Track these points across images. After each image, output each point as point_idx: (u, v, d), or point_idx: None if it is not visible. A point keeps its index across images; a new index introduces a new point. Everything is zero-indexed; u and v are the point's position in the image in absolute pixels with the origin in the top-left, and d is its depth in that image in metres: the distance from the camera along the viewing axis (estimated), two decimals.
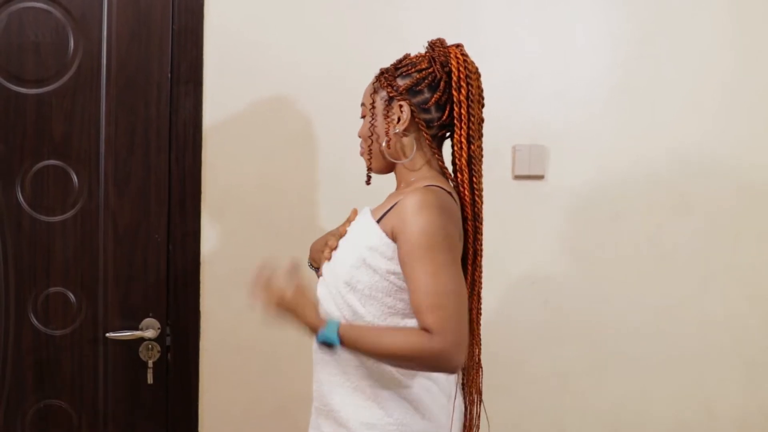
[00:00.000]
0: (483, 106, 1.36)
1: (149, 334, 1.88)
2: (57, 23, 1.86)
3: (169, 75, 1.89)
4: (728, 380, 2.03)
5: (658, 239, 1.99)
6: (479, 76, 1.35)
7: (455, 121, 1.31)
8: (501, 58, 1.95)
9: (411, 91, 1.32)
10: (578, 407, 2.00)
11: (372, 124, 1.37)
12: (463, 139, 1.31)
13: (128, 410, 1.91)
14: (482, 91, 1.35)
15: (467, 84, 1.31)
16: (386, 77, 1.35)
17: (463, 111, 1.30)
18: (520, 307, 1.98)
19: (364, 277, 1.27)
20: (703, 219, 2.00)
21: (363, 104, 1.41)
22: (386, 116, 1.34)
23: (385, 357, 1.23)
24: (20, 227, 1.87)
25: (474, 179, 1.33)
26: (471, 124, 1.31)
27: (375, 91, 1.38)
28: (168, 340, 1.91)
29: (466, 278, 1.33)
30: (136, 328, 1.89)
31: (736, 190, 2.01)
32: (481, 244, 1.36)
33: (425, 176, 1.33)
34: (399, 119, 1.33)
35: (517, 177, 1.96)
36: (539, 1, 1.96)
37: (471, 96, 1.31)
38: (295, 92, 1.92)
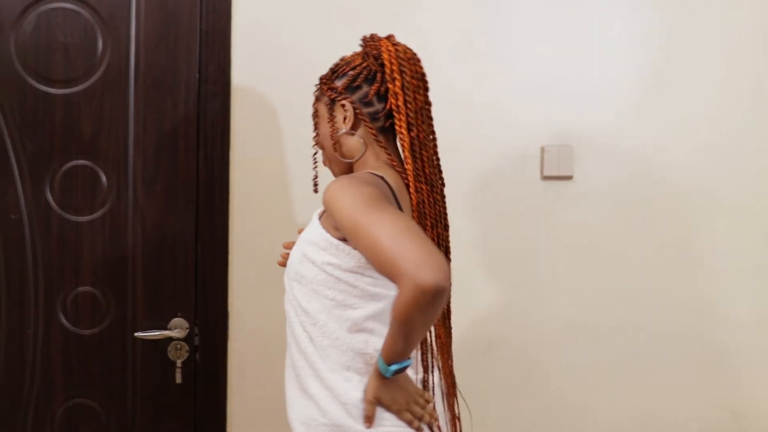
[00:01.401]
0: (427, 89, 1.36)
1: (178, 333, 1.89)
2: (85, 24, 1.86)
3: (197, 75, 1.89)
4: (759, 384, 2.01)
5: (687, 240, 1.97)
6: (417, 61, 1.35)
7: (394, 113, 1.31)
8: (528, 58, 1.94)
9: (350, 88, 1.34)
10: (606, 409, 1.99)
11: (321, 132, 1.40)
12: (403, 129, 1.31)
13: (156, 409, 1.92)
14: (423, 75, 1.35)
15: (401, 74, 1.31)
16: (325, 82, 1.38)
17: (399, 102, 1.31)
18: (547, 307, 1.97)
19: (306, 271, 1.29)
20: (733, 220, 1.98)
21: (313, 115, 1.44)
22: (331, 119, 1.37)
23: (408, 337, 1.16)
24: (49, 227, 1.88)
25: (417, 165, 1.31)
26: (409, 113, 1.31)
27: (317, 100, 1.41)
28: (196, 340, 1.91)
29: None
30: (165, 328, 1.90)
31: (767, 190, 1.98)
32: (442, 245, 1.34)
33: (372, 168, 1.34)
34: (345, 118, 1.35)
35: (546, 177, 1.94)
36: (563, 5, 1.94)
37: (407, 84, 1.31)
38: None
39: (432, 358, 1.37)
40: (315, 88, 1.42)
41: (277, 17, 1.91)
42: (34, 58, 1.86)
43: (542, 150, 1.94)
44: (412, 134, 1.31)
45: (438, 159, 1.38)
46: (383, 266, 1.10)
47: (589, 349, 1.98)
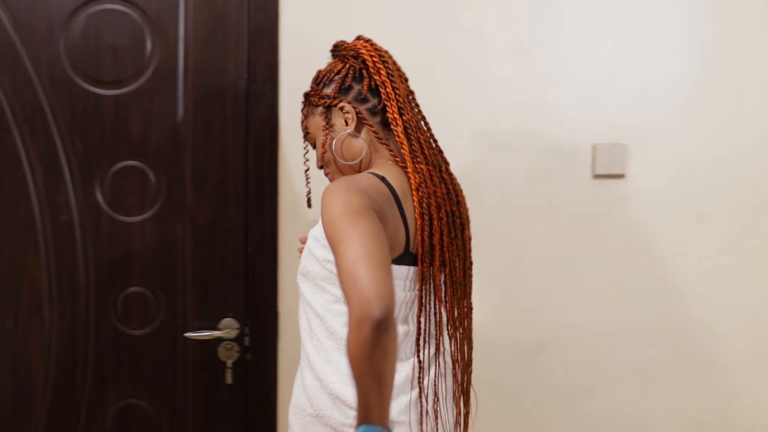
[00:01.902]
0: (406, 79, 1.41)
1: (228, 334, 1.89)
2: (134, 24, 1.86)
3: (246, 75, 1.88)
4: None
5: (742, 240, 1.95)
6: (390, 54, 1.40)
7: (385, 102, 1.34)
8: (580, 56, 1.92)
9: (342, 91, 1.36)
10: (660, 410, 1.97)
11: (323, 144, 1.38)
12: (396, 114, 1.32)
13: (207, 410, 1.93)
14: (399, 67, 1.40)
15: (383, 64, 1.35)
16: (313, 95, 1.39)
17: (389, 89, 1.33)
18: (598, 309, 1.95)
19: (311, 267, 1.30)
20: None
21: (307, 134, 1.43)
22: (331, 126, 1.37)
23: (362, 381, 1.11)
24: (99, 228, 1.89)
25: (414, 147, 1.32)
26: (399, 98, 1.34)
27: (309, 116, 1.41)
28: (246, 341, 1.91)
29: (421, 281, 1.28)
30: (215, 328, 1.90)
31: None
32: (443, 238, 1.30)
33: (376, 168, 1.34)
34: (346, 121, 1.35)
35: (597, 176, 1.92)
36: (617, 2, 1.92)
37: (391, 74, 1.35)
38: None
39: (434, 356, 1.35)
40: (302, 106, 1.43)
41: (325, 16, 1.89)
42: (83, 59, 1.86)
43: (593, 148, 1.91)
44: (405, 118, 1.33)
45: (435, 141, 1.41)
46: (341, 287, 1.12)
47: (641, 351, 1.96)
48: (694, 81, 1.93)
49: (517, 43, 1.91)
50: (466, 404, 1.43)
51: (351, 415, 1.26)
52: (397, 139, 1.32)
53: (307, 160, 1.46)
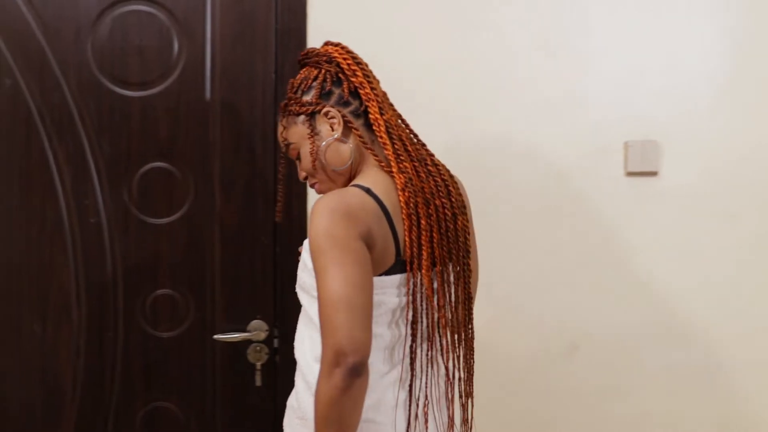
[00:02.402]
0: (378, 81, 1.40)
1: (257, 336, 1.88)
2: (161, 26, 1.86)
3: (274, 75, 1.87)
4: None
5: None
6: (359, 56, 1.39)
7: (366, 103, 1.33)
8: (611, 52, 1.89)
9: (323, 96, 1.34)
10: (690, 413, 1.94)
11: (311, 152, 1.35)
12: (377, 114, 1.32)
13: (236, 412, 1.91)
14: (370, 69, 1.39)
15: (358, 66, 1.35)
16: (292, 105, 1.36)
17: (368, 90, 1.33)
18: (631, 309, 1.92)
19: (306, 278, 1.29)
20: None
21: (288, 146, 1.40)
22: (317, 133, 1.34)
23: (325, 425, 1.15)
24: (127, 230, 1.88)
25: (397, 146, 1.31)
26: (377, 98, 1.34)
27: (289, 126, 1.38)
28: (276, 342, 1.90)
29: (409, 283, 1.27)
30: (244, 330, 1.88)
31: None
32: (433, 235, 1.28)
33: (361, 178, 1.32)
34: (332, 126, 1.33)
35: (630, 174, 1.89)
36: None
37: (367, 75, 1.35)
38: (396, 93, 1.87)
39: (421, 361, 1.32)
40: (280, 118, 1.40)
41: (353, 16, 1.88)
42: (110, 61, 1.85)
43: (626, 145, 1.89)
44: (385, 117, 1.33)
45: (416, 136, 1.41)
46: (319, 321, 1.15)
47: (672, 353, 1.92)
48: (725, 76, 1.89)
49: (546, 41, 1.89)
50: (464, 408, 1.41)
51: None
52: (380, 139, 1.31)
53: (304, 173, 1.40)
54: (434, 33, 1.88)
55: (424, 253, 1.26)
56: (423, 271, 1.26)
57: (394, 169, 1.28)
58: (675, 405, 1.94)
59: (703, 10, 1.89)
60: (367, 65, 1.38)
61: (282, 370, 1.90)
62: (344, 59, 1.34)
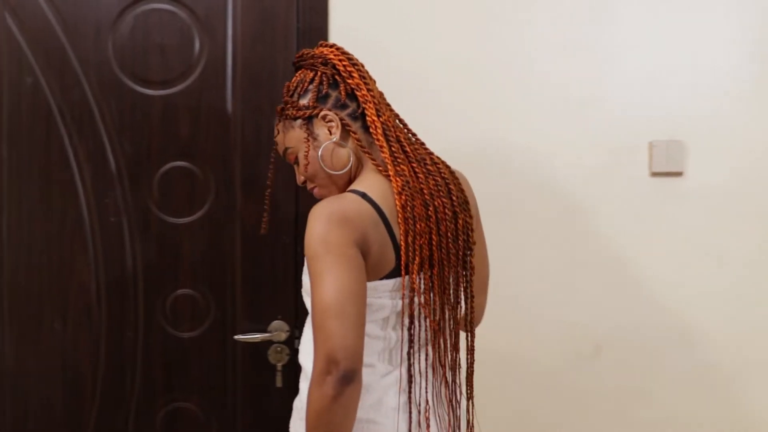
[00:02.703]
0: (375, 82, 1.38)
1: (277, 336, 1.87)
2: (182, 24, 1.85)
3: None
4: None
5: None
6: (355, 57, 1.37)
7: (363, 104, 1.31)
8: (636, 50, 1.87)
9: (320, 99, 1.32)
10: (717, 417, 1.92)
11: (309, 157, 1.33)
12: (373, 116, 1.30)
13: (257, 413, 1.90)
14: (366, 70, 1.36)
15: (354, 67, 1.33)
16: (289, 109, 1.34)
17: (364, 92, 1.31)
18: (656, 310, 1.90)
19: (307, 283, 1.28)
20: None
21: (286, 150, 1.38)
22: (314, 138, 1.32)
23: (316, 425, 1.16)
24: (148, 229, 1.87)
25: (394, 147, 1.29)
26: (374, 99, 1.32)
27: (286, 131, 1.36)
28: (297, 343, 1.88)
29: (404, 287, 1.26)
30: (265, 331, 1.87)
31: None
32: (432, 237, 1.27)
33: (359, 182, 1.30)
34: (330, 129, 1.31)
35: (654, 174, 1.87)
36: None
37: (363, 76, 1.33)
38: (418, 93, 1.87)
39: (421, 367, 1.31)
40: (277, 122, 1.38)
41: (375, 14, 1.87)
42: (131, 59, 1.85)
43: (650, 145, 1.87)
44: (382, 119, 1.31)
45: (415, 135, 1.39)
46: (312, 328, 1.16)
47: (699, 355, 1.90)
48: (752, 74, 1.87)
49: (569, 38, 1.87)
50: (469, 412, 1.40)
51: None
52: (377, 142, 1.29)
53: (302, 178, 1.38)
54: (457, 31, 1.86)
55: (417, 257, 1.24)
56: (413, 275, 1.24)
57: (390, 173, 1.26)
58: (699, 408, 1.91)
59: (729, 7, 1.87)
60: (363, 66, 1.35)
61: None
62: (340, 61, 1.32)
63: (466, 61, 1.87)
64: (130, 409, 1.89)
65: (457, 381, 1.36)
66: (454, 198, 1.33)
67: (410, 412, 1.28)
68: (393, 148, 1.29)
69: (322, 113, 1.31)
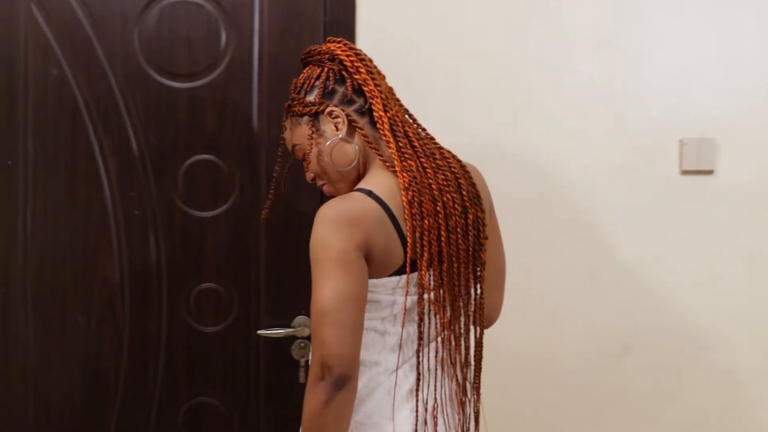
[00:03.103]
0: (384, 77, 1.36)
1: (301, 332, 1.85)
2: (209, 17, 1.84)
3: None
4: None
5: None
6: (365, 53, 1.35)
7: (370, 100, 1.30)
8: (667, 47, 1.85)
9: (326, 95, 1.31)
10: (749, 419, 1.89)
11: (316, 153, 1.32)
12: (381, 112, 1.29)
13: (280, 408, 1.89)
14: (375, 65, 1.35)
15: (361, 62, 1.31)
16: (296, 105, 1.33)
17: (371, 87, 1.30)
18: (684, 310, 1.88)
19: None
20: None
21: (294, 147, 1.38)
22: (321, 134, 1.31)
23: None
24: (172, 223, 1.86)
25: (401, 143, 1.28)
26: (381, 94, 1.30)
27: (293, 128, 1.36)
28: None
29: (408, 286, 1.24)
30: (289, 326, 1.86)
31: None
32: (440, 233, 1.25)
33: (366, 180, 1.29)
34: (336, 126, 1.30)
35: (685, 172, 1.85)
36: None
37: (370, 71, 1.31)
38: (446, 89, 1.85)
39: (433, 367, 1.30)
40: (284, 118, 1.38)
41: (403, 9, 1.85)
42: (157, 52, 1.84)
43: (681, 143, 1.84)
44: (389, 114, 1.29)
45: (425, 130, 1.37)
46: (311, 332, 1.19)
47: (731, 356, 1.88)
48: None
49: (600, 33, 1.85)
50: (476, 408, 1.38)
51: None
52: (384, 137, 1.28)
53: (311, 174, 1.37)
54: (487, 26, 1.85)
55: (426, 253, 1.23)
56: (422, 271, 1.23)
57: (397, 168, 1.25)
58: (730, 410, 1.89)
59: (762, 3, 1.84)
60: (371, 61, 1.34)
61: None
62: (347, 56, 1.31)
63: (495, 58, 1.85)
64: (152, 404, 1.88)
65: (469, 379, 1.35)
66: (464, 193, 1.31)
67: (417, 410, 1.26)
68: (400, 143, 1.28)
69: (328, 109, 1.30)
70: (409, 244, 1.22)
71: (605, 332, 1.88)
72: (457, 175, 1.32)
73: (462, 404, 1.33)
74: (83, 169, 1.84)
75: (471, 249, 1.31)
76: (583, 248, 1.87)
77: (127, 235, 1.85)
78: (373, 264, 1.21)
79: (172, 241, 1.86)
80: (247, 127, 1.85)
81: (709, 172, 1.85)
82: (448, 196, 1.28)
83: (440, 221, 1.25)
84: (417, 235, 1.23)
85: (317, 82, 1.32)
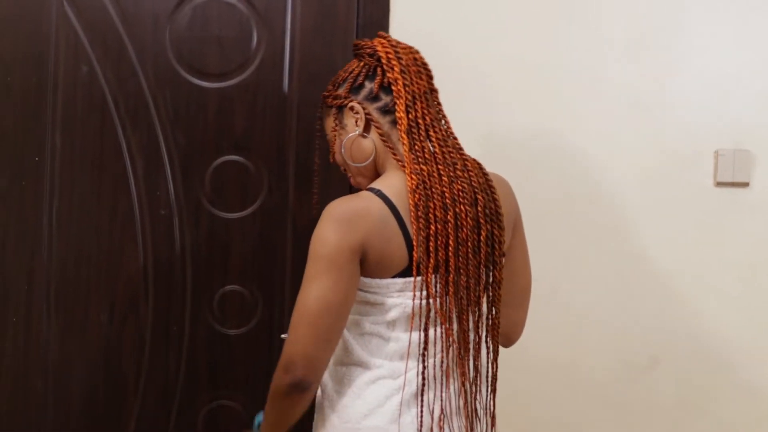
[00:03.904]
0: (430, 76, 1.33)
1: None
2: (241, 17, 1.83)
3: None
4: None
5: None
6: (415, 51, 1.32)
7: (395, 98, 1.27)
8: (705, 57, 1.82)
9: (353, 90, 1.31)
10: None
11: (339, 146, 1.33)
12: (402, 113, 1.26)
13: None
14: (423, 63, 1.32)
15: (397, 60, 1.28)
16: (327, 95, 1.34)
17: (399, 86, 1.26)
18: (716, 324, 1.84)
19: None
20: None
21: (325, 137, 1.39)
22: (343, 128, 1.32)
23: (268, 413, 1.29)
24: (199, 223, 1.85)
25: (416, 147, 1.25)
26: (407, 96, 1.27)
27: (325, 117, 1.37)
28: None
29: (414, 290, 1.22)
30: None
31: None
32: (449, 242, 1.22)
33: (381, 179, 1.29)
34: (356, 121, 1.30)
35: (720, 184, 1.82)
36: None
37: (404, 69, 1.27)
38: (479, 92, 1.83)
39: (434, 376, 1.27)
40: (320, 108, 1.39)
41: (436, 10, 1.83)
42: (188, 51, 1.83)
43: (716, 154, 1.81)
44: (410, 116, 1.26)
45: (456, 139, 1.33)
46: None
47: (760, 369, 1.84)
48: None
49: (636, 39, 1.83)
50: (492, 423, 1.33)
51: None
52: (401, 138, 1.26)
53: (316, 170, 1.44)
54: (522, 28, 1.83)
55: (432, 259, 1.21)
56: (427, 276, 1.21)
57: (407, 170, 1.23)
58: (758, 427, 1.85)
59: None
60: (414, 60, 1.30)
61: None
62: (386, 52, 1.29)
63: (528, 62, 1.83)
64: (172, 405, 1.86)
65: (481, 393, 1.30)
66: (479, 208, 1.27)
67: (421, 418, 1.23)
68: (416, 147, 1.25)
69: (351, 104, 1.30)
70: (414, 246, 1.21)
71: (634, 343, 1.85)
72: (476, 189, 1.28)
73: (471, 421, 1.28)
74: (110, 167, 1.83)
75: (482, 266, 1.28)
76: (613, 256, 1.84)
77: (153, 235, 1.84)
78: (372, 264, 1.21)
79: (197, 242, 1.84)
80: (276, 128, 1.83)
81: (745, 185, 1.82)
82: (460, 207, 1.24)
83: (449, 230, 1.22)
84: (422, 237, 1.21)
85: (349, 76, 1.32)
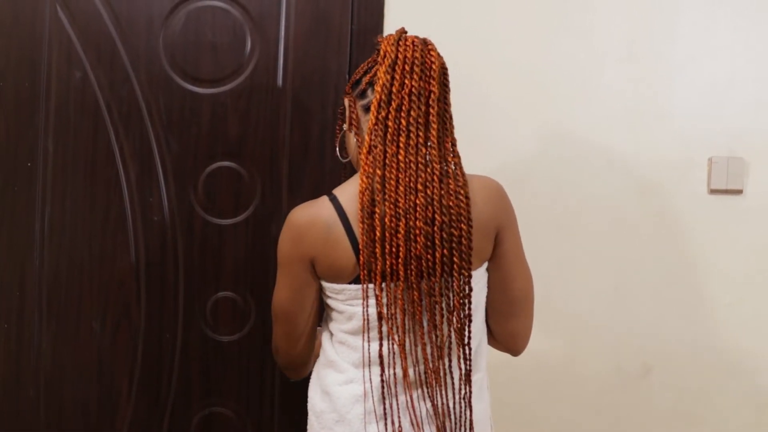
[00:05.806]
0: (429, 76, 1.23)
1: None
2: (234, 22, 1.82)
3: (347, 76, 1.82)
4: None
5: None
6: (422, 48, 1.24)
7: (375, 88, 1.23)
8: (698, 63, 1.82)
9: (353, 85, 1.32)
10: None
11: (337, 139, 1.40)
12: (373, 114, 1.22)
13: (295, 421, 1.86)
14: (426, 61, 1.23)
15: (392, 56, 1.22)
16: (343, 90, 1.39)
17: (378, 85, 1.21)
18: (710, 332, 1.84)
19: None
20: None
21: None
22: (344, 121, 1.37)
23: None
24: (191, 229, 1.84)
25: (375, 151, 1.20)
26: (382, 94, 1.21)
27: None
28: None
29: (364, 296, 1.24)
30: None
31: None
32: (399, 252, 1.19)
33: (347, 181, 1.30)
34: (347, 116, 1.32)
35: (713, 191, 1.82)
36: (740, 4, 1.82)
37: (393, 67, 1.22)
38: (474, 99, 1.83)
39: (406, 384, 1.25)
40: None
41: (431, 16, 1.83)
42: (182, 56, 1.82)
43: (710, 161, 1.81)
44: (380, 116, 1.21)
45: (444, 149, 1.23)
46: None
47: (758, 379, 1.84)
48: None
49: (630, 47, 1.82)
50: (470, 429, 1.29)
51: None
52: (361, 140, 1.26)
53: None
54: (516, 35, 1.82)
55: (378, 265, 1.19)
56: (376, 282, 1.20)
57: (359, 171, 1.23)
58: None
59: None
60: (415, 58, 1.23)
61: None
62: (385, 47, 1.26)
63: (523, 69, 1.83)
64: (165, 413, 1.85)
65: (451, 405, 1.25)
66: (435, 228, 1.20)
67: (385, 427, 1.23)
68: (376, 149, 1.20)
69: (344, 99, 1.33)
70: (360, 248, 1.20)
71: (628, 350, 1.84)
72: (437, 208, 1.20)
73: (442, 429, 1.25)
74: (103, 173, 1.82)
75: (438, 283, 1.21)
76: (607, 264, 1.84)
77: (145, 241, 1.83)
78: (325, 269, 1.26)
79: (190, 248, 1.84)
80: (269, 135, 1.83)
81: (738, 192, 1.82)
82: (412, 221, 1.19)
83: (400, 241, 1.18)
84: (368, 240, 1.19)
85: (357, 72, 1.33)
